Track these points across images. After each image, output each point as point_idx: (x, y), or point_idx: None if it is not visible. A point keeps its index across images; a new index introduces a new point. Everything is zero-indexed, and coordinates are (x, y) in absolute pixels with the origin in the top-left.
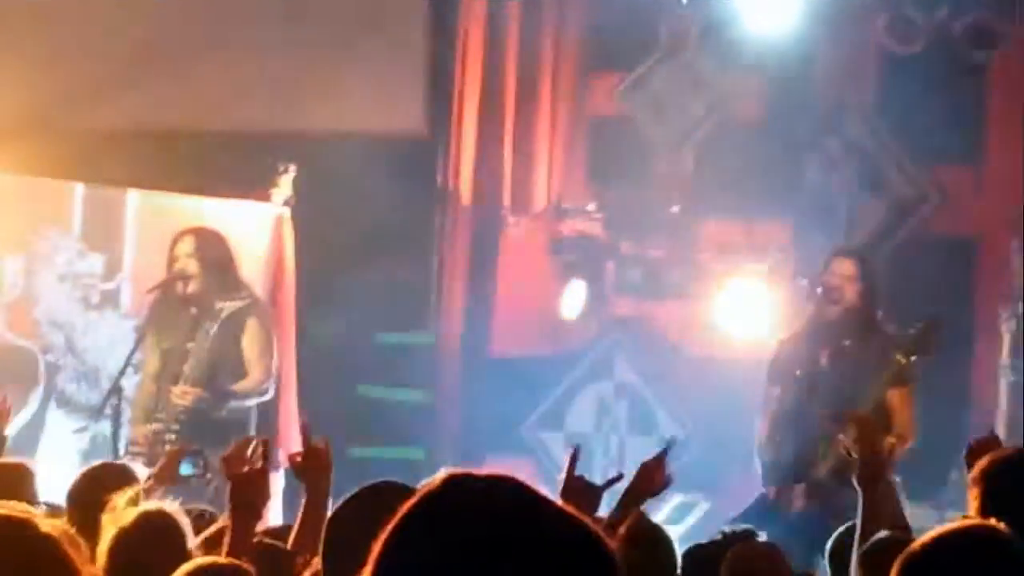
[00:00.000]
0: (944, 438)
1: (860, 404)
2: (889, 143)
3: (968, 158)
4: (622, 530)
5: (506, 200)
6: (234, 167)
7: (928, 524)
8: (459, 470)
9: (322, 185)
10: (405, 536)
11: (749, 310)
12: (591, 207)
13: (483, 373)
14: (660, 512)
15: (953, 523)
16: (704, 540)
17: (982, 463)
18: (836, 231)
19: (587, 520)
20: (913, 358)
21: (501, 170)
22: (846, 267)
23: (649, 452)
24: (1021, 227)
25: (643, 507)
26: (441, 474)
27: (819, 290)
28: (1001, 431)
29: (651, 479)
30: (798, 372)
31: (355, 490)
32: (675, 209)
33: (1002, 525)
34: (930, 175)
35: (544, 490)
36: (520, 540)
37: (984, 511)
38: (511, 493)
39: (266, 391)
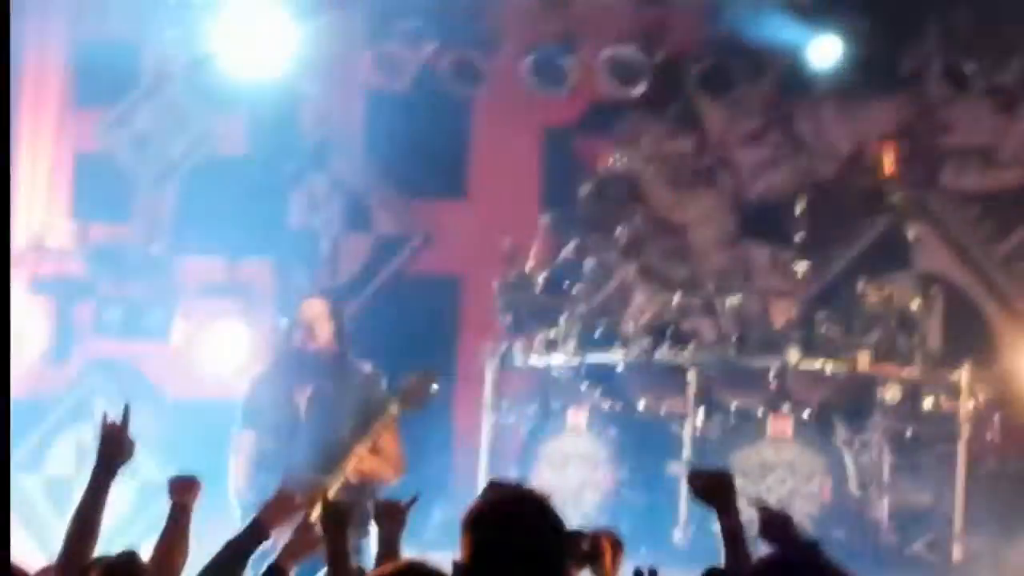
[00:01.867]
0: (428, 476)
1: (340, 449)
2: (375, 181)
3: (454, 195)
4: None
5: None
6: None
7: None
8: None
9: None
10: None
11: (230, 350)
12: (72, 245)
13: None
14: None
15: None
16: None
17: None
18: (319, 270)
19: None
20: (404, 409)
21: None
22: (317, 307)
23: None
24: (504, 265)
25: None
26: None
27: (295, 330)
28: (482, 469)
29: None
30: (276, 413)
31: None
32: (155, 247)
33: None
34: (416, 213)
35: None
36: None
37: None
38: None
39: None
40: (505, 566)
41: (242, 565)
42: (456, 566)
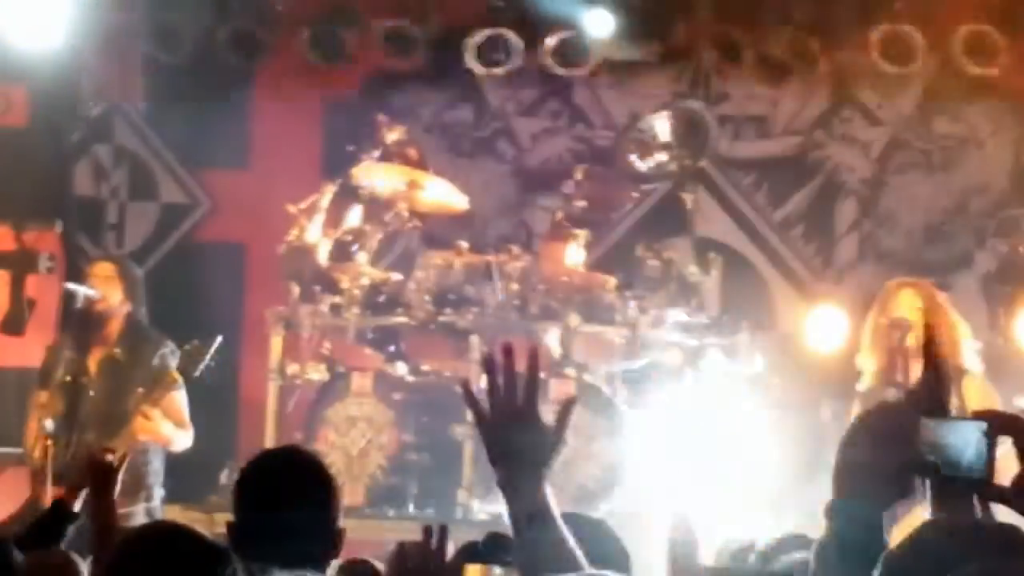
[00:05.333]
0: (214, 442)
1: (123, 415)
2: (160, 150)
3: (236, 163)
4: None
5: None
6: None
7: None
8: None
9: None
10: None
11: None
12: None
13: None
14: None
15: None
16: None
17: None
18: (107, 238)
19: None
20: (185, 372)
21: None
22: (107, 269)
23: None
24: (287, 233)
25: None
26: None
27: (83, 294)
28: (268, 433)
29: None
30: (67, 378)
31: None
32: None
33: None
34: (200, 181)
35: None
36: None
37: None
38: None
39: None
40: (273, 521)
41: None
42: (229, 526)
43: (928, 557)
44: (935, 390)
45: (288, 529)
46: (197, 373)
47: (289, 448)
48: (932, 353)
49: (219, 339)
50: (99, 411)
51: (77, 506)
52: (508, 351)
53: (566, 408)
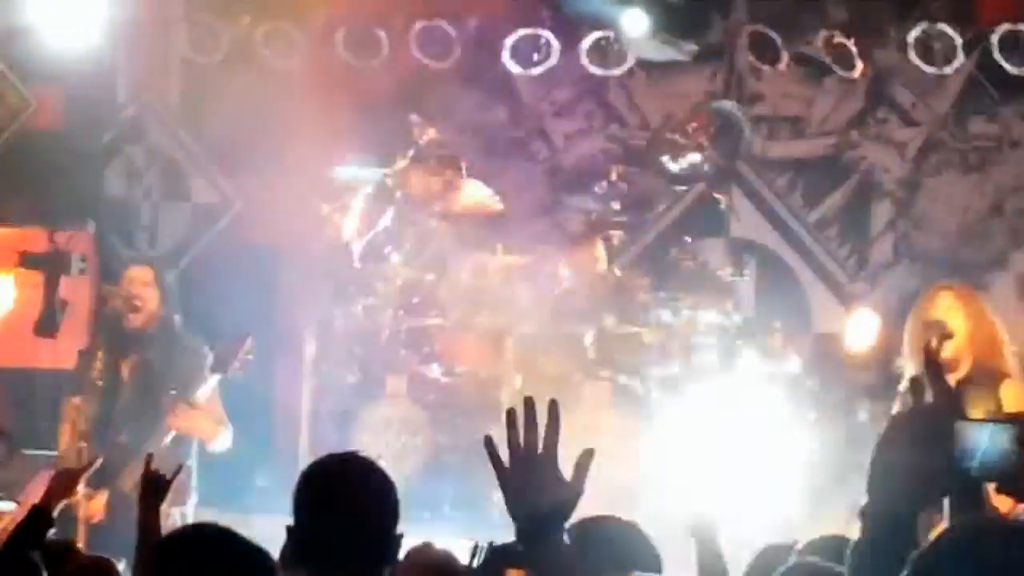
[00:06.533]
0: (248, 444)
1: (156, 417)
2: (194, 151)
3: (270, 164)
4: None
5: None
6: None
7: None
8: None
9: None
10: None
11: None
12: None
13: None
14: None
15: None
16: None
17: None
18: (139, 239)
19: None
20: (220, 373)
21: None
22: (144, 274)
23: None
24: (322, 234)
25: None
26: None
27: (123, 301)
28: (303, 435)
29: None
30: (100, 382)
31: None
32: None
33: None
34: (234, 181)
35: None
36: None
37: None
38: None
39: None
40: (334, 527)
41: (31, 551)
42: (289, 529)
43: (955, 558)
44: (940, 411)
45: (349, 534)
46: (231, 373)
47: (350, 453)
48: (935, 373)
49: (251, 338)
50: (132, 414)
51: (56, 511)
52: (530, 405)
53: (584, 460)
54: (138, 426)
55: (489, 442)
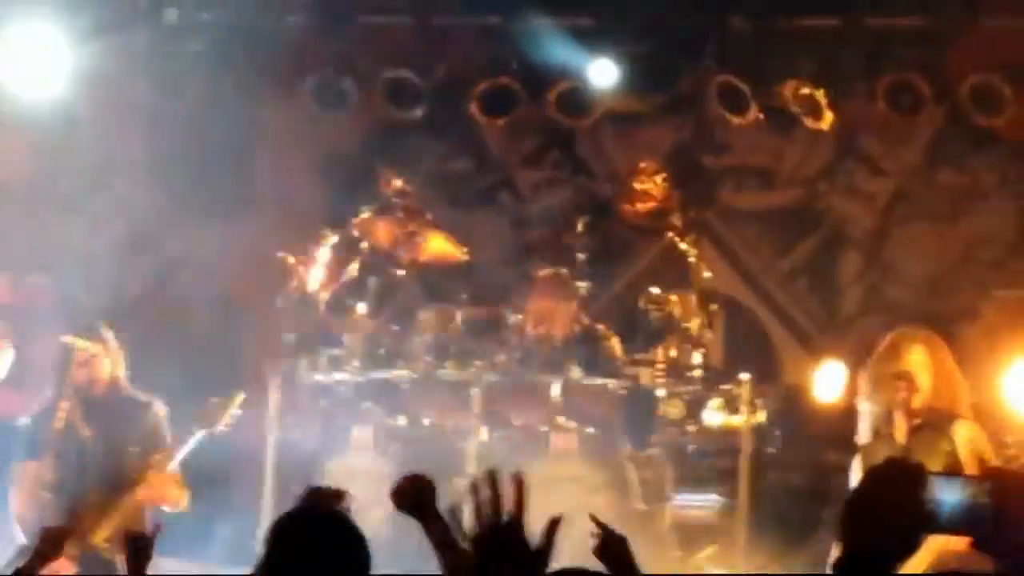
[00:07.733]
0: (212, 494)
1: (120, 477)
2: (160, 200)
3: (237, 215)
4: None
5: None
6: None
7: None
8: None
9: None
10: None
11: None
12: None
13: None
14: None
15: None
16: None
17: None
18: (103, 290)
19: None
20: (200, 432)
21: None
22: (91, 348)
23: None
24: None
25: None
26: None
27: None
28: (267, 486)
29: None
30: (61, 446)
31: None
32: None
33: None
34: (199, 232)
35: None
36: None
37: None
38: None
39: None
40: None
41: None
42: None
43: None
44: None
45: None
46: (219, 427)
47: (319, 505)
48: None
49: (241, 394)
50: (96, 474)
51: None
52: (493, 477)
53: (552, 527)
54: (103, 487)
55: (453, 514)
